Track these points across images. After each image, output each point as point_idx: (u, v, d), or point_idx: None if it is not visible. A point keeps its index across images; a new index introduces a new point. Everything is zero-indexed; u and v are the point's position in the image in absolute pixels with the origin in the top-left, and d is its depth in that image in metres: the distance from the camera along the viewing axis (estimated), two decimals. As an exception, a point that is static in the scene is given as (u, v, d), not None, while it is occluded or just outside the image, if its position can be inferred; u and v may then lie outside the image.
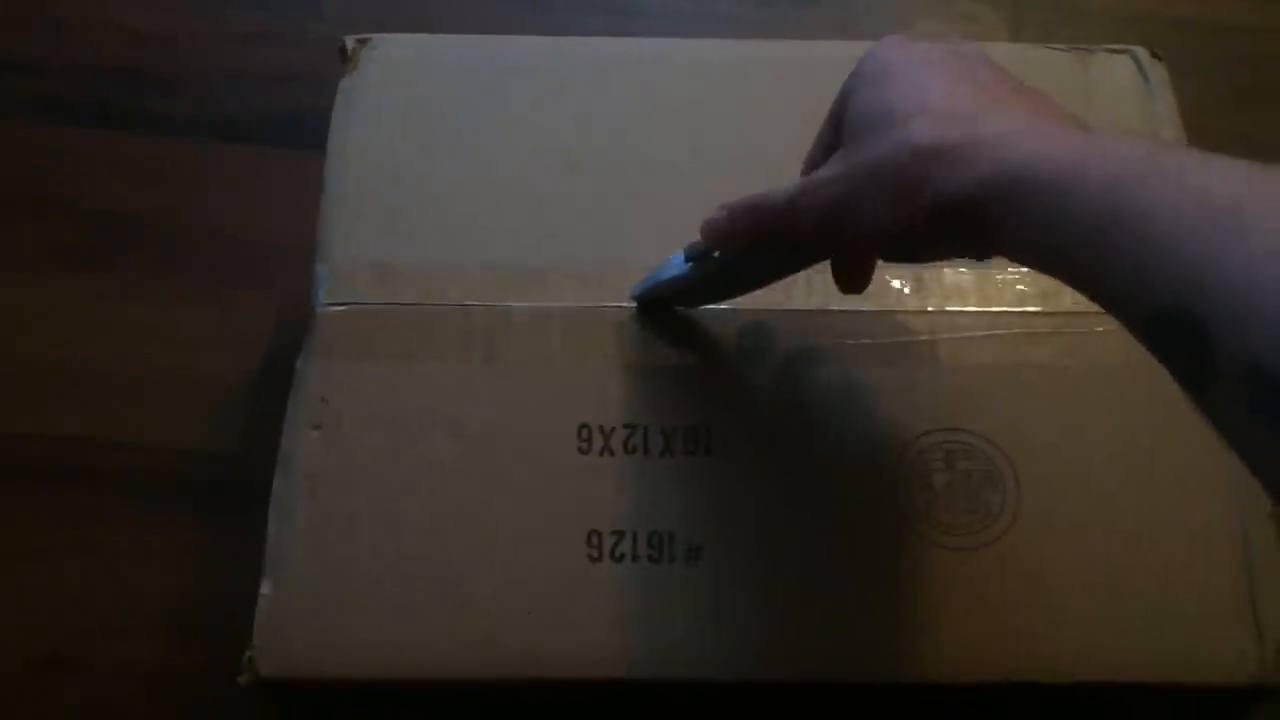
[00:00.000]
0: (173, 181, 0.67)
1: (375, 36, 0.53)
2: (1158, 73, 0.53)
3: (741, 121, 0.52)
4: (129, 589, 0.54)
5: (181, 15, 0.73)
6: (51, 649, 0.53)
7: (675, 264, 0.44)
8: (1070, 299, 0.47)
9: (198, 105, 0.69)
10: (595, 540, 0.43)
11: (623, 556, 0.43)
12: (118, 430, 0.58)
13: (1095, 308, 0.43)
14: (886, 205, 0.32)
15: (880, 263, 0.47)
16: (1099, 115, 0.51)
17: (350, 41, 0.53)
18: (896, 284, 0.48)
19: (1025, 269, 0.47)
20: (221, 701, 0.43)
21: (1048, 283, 0.47)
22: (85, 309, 0.62)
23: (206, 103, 0.69)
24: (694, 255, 0.42)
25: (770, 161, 0.50)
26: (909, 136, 0.32)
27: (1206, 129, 0.74)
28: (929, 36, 0.37)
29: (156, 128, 0.68)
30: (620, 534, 0.43)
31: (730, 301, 0.47)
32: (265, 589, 0.41)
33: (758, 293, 0.47)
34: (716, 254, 0.41)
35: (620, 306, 0.47)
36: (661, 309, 0.47)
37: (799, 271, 0.45)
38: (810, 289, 0.48)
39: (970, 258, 0.33)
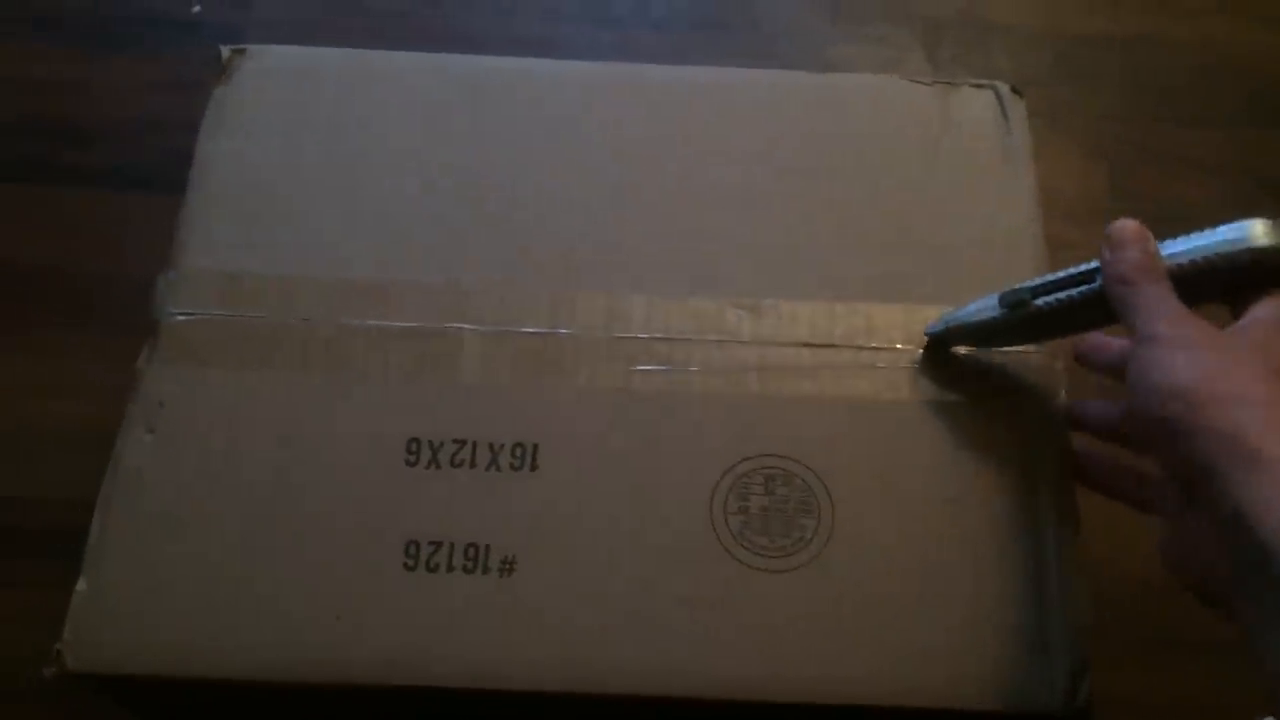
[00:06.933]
0: (85, 233, 0.66)
1: (252, 47, 0.55)
2: (1017, 108, 0.54)
3: (608, 148, 0.53)
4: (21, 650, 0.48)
5: (95, 64, 0.72)
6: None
7: (987, 306, 0.46)
8: (898, 335, 0.49)
9: (114, 155, 0.69)
10: (413, 549, 0.44)
11: (437, 566, 0.44)
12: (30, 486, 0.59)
13: (916, 345, 0.45)
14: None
15: (721, 294, 0.50)
16: (954, 147, 0.53)
17: (226, 51, 0.54)
18: (733, 314, 0.49)
19: (857, 303, 0.49)
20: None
21: (877, 319, 0.49)
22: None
23: (120, 153, 0.69)
24: (1010, 303, 0.45)
25: (630, 185, 0.52)
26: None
27: (1121, 143, 0.76)
28: None
29: (72, 180, 0.68)
30: (437, 544, 0.44)
31: (571, 325, 0.49)
32: (81, 585, 0.43)
33: (595, 318, 0.49)
34: (1036, 303, 0.44)
35: (460, 327, 0.48)
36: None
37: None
38: (649, 316, 0.49)
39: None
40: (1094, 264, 0.42)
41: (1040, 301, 0.44)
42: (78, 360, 0.63)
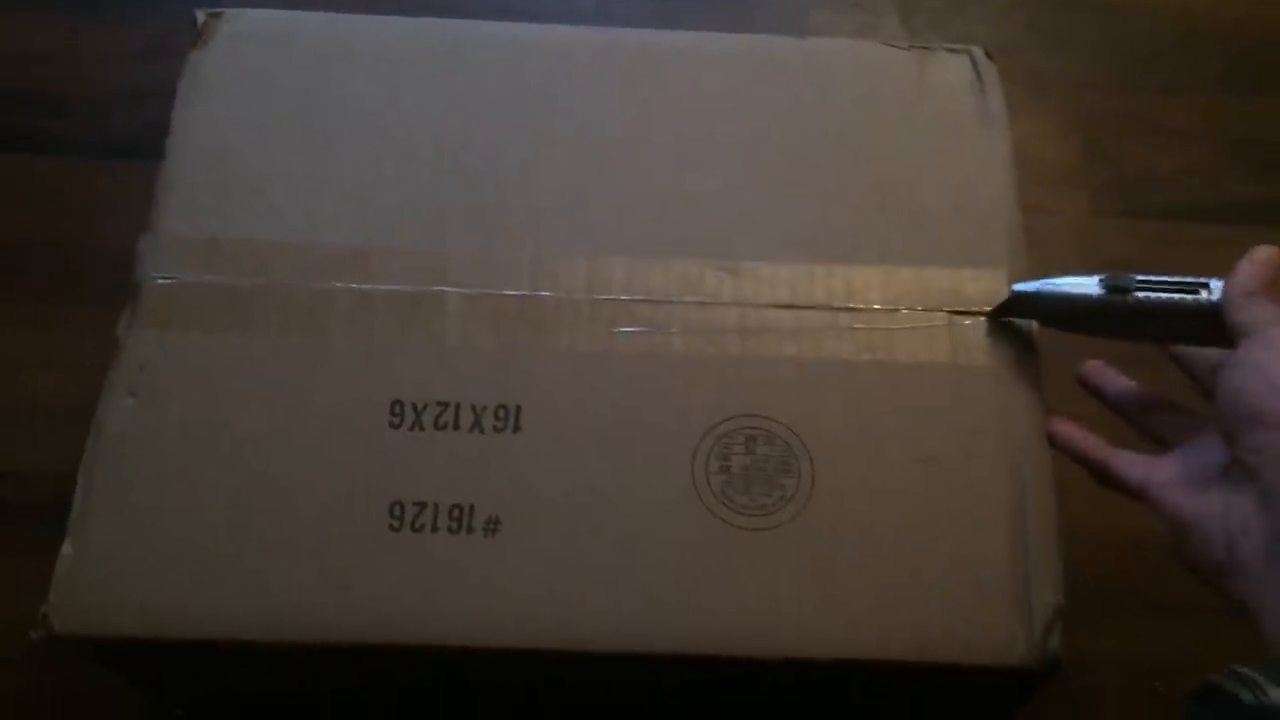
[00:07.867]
0: (67, 203, 0.65)
1: (229, 11, 0.54)
2: (991, 74, 0.55)
3: (588, 112, 0.53)
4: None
5: (72, 32, 0.72)
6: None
7: (1084, 283, 0.45)
8: (875, 297, 0.49)
9: (92, 124, 0.68)
10: (398, 511, 0.45)
11: (423, 527, 0.45)
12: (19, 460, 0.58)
13: (895, 307, 0.46)
14: None
15: (702, 256, 0.50)
16: (930, 111, 0.54)
17: (202, 15, 0.54)
18: (713, 276, 0.49)
19: (836, 265, 0.49)
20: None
21: (856, 281, 0.49)
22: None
23: (101, 121, 0.68)
24: (1111, 285, 0.45)
25: (610, 149, 0.52)
26: None
27: (1096, 108, 0.77)
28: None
29: (48, 148, 0.67)
30: (422, 505, 0.45)
31: (552, 288, 0.49)
32: (66, 548, 0.43)
33: (576, 280, 0.49)
34: (1138, 295, 0.44)
35: (442, 290, 0.48)
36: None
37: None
38: (630, 279, 0.49)
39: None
40: (1202, 278, 0.43)
41: (1142, 295, 0.44)
42: (66, 333, 0.62)
